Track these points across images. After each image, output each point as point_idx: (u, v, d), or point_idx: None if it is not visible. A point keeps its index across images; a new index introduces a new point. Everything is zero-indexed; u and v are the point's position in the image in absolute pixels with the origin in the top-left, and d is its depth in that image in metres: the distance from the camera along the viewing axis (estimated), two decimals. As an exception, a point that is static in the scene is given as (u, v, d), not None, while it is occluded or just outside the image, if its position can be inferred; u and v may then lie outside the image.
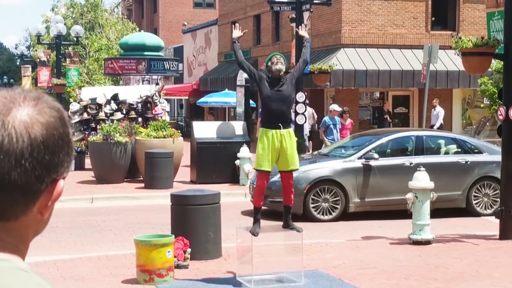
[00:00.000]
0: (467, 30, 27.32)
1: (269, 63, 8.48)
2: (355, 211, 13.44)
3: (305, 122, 18.55)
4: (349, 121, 19.77)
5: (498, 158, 12.19)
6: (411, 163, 13.53)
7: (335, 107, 19.50)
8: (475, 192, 13.96)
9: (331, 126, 18.86)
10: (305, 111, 18.16)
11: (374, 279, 8.66)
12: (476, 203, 13.92)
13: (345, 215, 13.37)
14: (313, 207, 13.22)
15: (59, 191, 1.35)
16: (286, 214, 8.65)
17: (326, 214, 13.28)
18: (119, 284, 8.40)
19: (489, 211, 13.57)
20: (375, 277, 8.78)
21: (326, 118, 19.27)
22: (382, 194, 13.49)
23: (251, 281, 8.33)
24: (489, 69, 16.13)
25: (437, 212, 12.44)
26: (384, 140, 14.18)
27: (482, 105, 25.01)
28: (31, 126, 1.29)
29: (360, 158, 13.63)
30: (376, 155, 13.57)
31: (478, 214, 13.81)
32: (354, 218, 13.35)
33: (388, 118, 26.59)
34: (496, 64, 18.24)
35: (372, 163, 13.53)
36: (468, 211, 13.87)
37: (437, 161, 13.96)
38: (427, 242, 10.69)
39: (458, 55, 11.45)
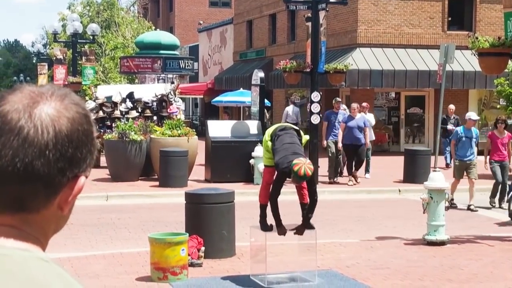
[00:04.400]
0: (484, 30, 27.18)
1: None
2: None
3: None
4: (506, 133, 14.88)
5: None
6: None
7: (472, 115, 15.23)
8: None
9: (464, 139, 14.76)
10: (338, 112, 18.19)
11: (388, 279, 8.64)
12: None
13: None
14: None
15: (80, 187, 1.37)
16: (303, 212, 8.56)
17: None
18: (133, 281, 8.42)
19: None
20: (389, 277, 8.76)
21: (459, 129, 15.19)
22: None
23: (264, 280, 8.34)
24: (506, 70, 16.03)
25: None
26: None
27: (498, 106, 24.85)
28: (57, 120, 1.33)
29: None
30: None
31: None
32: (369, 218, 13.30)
33: (453, 128, 20.50)
34: (512, 64, 18.13)
35: None
36: None
37: None
38: (441, 243, 10.65)
39: (474, 55, 11.40)
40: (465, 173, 14.63)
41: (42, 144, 1.30)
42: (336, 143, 17.97)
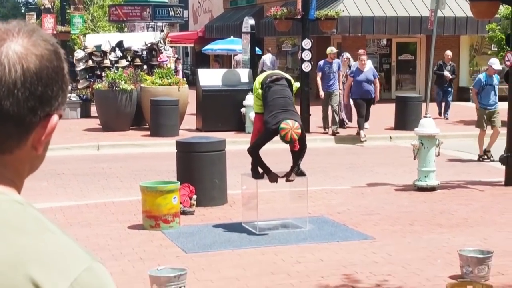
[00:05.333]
0: (476, -25, 26.91)
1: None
2: None
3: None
4: None
5: None
6: None
7: (494, 63, 14.03)
8: None
9: (488, 87, 13.97)
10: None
11: (379, 225, 8.71)
12: None
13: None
14: None
15: (53, 126, 1.34)
16: (293, 160, 8.57)
17: None
18: (125, 230, 8.47)
19: None
20: (379, 223, 8.83)
21: (481, 76, 14.31)
22: None
23: (256, 227, 8.39)
24: (497, 15, 15.93)
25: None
26: None
27: (489, 52, 24.79)
28: (25, 57, 1.29)
29: None
30: None
31: None
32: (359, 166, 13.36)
33: (449, 75, 21.03)
34: (504, 10, 18.02)
35: None
36: None
37: None
38: (432, 189, 10.72)
39: (466, 0, 11.30)
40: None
41: (10, 83, 1.27)
42: (330, 93, 17.32)
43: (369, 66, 17.05)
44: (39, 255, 1.24)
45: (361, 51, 18.44)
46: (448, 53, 21.48)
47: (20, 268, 1.22)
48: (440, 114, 20.74)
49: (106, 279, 1.29)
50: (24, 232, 1.26)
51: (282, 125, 7.82)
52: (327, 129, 17.63)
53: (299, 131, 7.89)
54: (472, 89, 14.91)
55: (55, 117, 1.34)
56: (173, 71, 19.99)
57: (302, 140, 8.22)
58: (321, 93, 17.39)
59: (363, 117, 16.62)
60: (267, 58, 25.51)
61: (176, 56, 28.19)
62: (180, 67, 28.11)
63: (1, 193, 1.31)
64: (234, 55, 28.35)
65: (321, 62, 17.80)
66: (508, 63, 11.11)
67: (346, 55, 19.09)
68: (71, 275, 1.24)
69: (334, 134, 17.18)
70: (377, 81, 17.13)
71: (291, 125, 7.82)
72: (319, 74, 17.58)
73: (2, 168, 1.33)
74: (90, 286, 1.25)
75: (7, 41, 1.30)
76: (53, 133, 1.37)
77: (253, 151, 8.37)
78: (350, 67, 18.36)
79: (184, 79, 21.14)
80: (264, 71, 16.98)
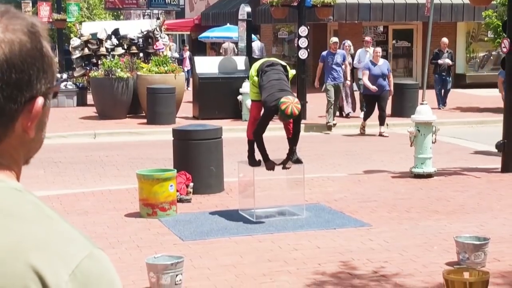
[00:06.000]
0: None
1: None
2: None
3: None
4: None
5: None
6: None
7: None
8: None
9: None
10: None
11: (376, 212, 8.72)
12: None
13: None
14: None
15: (37, 109, 1.30)
16: (290, 145, 8.57)
17: None
18: (122, 217, 8.47)
19: None
20: (376, 210, 8.84)
21: None
22: None
23: (253, 215, 8.40)
24: (494, 2, 15.88)
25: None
26: None
27: (486, 39, 24.76)
28: None
29: None
30: None
31: None
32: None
33: (449, 62, 20.34)
34: (501, -4, 17.98)
35: None
36: None
37: None
38: (428, 176, 10.73)
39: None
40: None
41: None
42: (337, 86, 16.60)
43: (382, 59, 16.15)
44: (39, 242, 1.23)
45: (367, 38, 17.82)
46: (445, 40, 20.81)
47: (20, 256, 1.20)
48: (439, 105, 19.96)
49: (108, 266, 1.28)
50: (23, 219, 1.25)
51: (282, 99, 7.76)
52: (329, 123, 16.66)
53: (299, 106, 7.88)
54: (499, 79, 14.56)
55: (39, 100, 1.30)
56: (173, 60, 19.94)
57: (297, 123, 8.23)
58: (316, 83, 17.04)
59: (371, 113, 15.83)
60: (255, 45, 25.42)
61: (184, 44, 28.05)
62: (187, 54, 27.85)
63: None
64: (223, 43, 28.21)
65: (324, 53, 17.12)
66: (504, 49, 11.10)
67: (348, 42, 18.60)
68: (72, 262, 1.22)
69: (330, 127, 16.60)
70: (391, 75, 16.23)
71: (291, 100, 7.79)
72: (321, 65, 16.95)
73: None
74: (91, 273, 1.24)
75: None
76: (47, 115, 1.34)
77: (257, 133, 8.33)
78: (352, 55, 18.16)
79: (181, 67, 21.09)
80: (254, 58, 16.85)
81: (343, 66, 16.93)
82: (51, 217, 1.28)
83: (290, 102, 7.73)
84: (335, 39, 17.52)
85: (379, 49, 16.25)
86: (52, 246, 1.23)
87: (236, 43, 23.72)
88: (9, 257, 1.20)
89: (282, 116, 7.90)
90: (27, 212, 1.26)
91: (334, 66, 16.64)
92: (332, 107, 16.58)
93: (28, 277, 1.19)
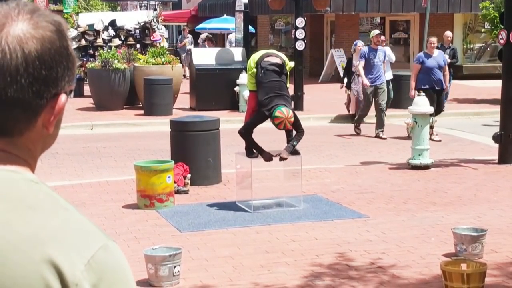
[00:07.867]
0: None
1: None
2: None
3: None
4: None
5: None
6: None
7: None
8: None
9: None
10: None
11: (373, 203, 8.73)
12: None
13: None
14: None
15: (60, 106, 1.34)
16: (288, 138, 8.59)
17: None
18: (120, 209, 8.47)
19: None
20: (373, 201, 8.85)
21: None
22: None
23: (250, 206, 8.41)
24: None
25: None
26: None
27: (483, 30, 24.76)
28: (25, 42, 1.28)
29: None
30: None
31: None
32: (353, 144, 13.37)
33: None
34: (498, -13, 17.96)
35: None
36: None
37: None
38: (425, 167, 10.74)
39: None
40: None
41: (12, 69, 1.26)
42: (376, 88, 14.33)
43: (437, 50, 14.00)
44: (56, 233, 1.26)
45: (382, 37, 15.91)
46: (448, 34, 18.00)
47: (38, 246, 1.24)
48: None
49: (121, 257, 1.31)
50: (41, 211, 1.28)
51: (276, 114, 7.94)
52: (358, 129, 14.78)
53: (293, 119, 8.06)
54: None
55: (63, 97, 1.34)
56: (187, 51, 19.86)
57: (295, 125, 8.29)
58: (366, 81, 14.25)
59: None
60: (233, 36, 25.32)
61: (189, 36, 27.97)
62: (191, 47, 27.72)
63: (16, 172, 1.32)
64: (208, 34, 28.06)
65: (365, 49, 14.88)
66: (501, 41, 11.10)
67: (360, 42, 16.90)
68: (87, 253, 1.26)
69: (378, 137, 14.27)
70: (447, 69, 14.14)
71: (285, 115, 7.95)
72: (362, 63, 14.48)
73: (14, 149, 1.34)
74: (106, 264, 1.27)
75: (6, 26, 1.28)
76: (64, 111, 1.38)
77: (245, 132, 8.38)
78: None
79: (178, 58, 21.05)
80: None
81: (382, 66, 14.90)
82: (67, 208, 1.32)
83: (284, 118, 7.95)
84: (376, 31, 15.37)
85: (434, 39, 13.83)
86: (68, 238, 1.26)
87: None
88: (27, 248, 1.23)
89: (275, 126, 8.17)
90: (44, 204, 1.29)
91: (374, 64, 14.52)
92: (383, 114, 14.42)
93: (45, 267, 1.23)
